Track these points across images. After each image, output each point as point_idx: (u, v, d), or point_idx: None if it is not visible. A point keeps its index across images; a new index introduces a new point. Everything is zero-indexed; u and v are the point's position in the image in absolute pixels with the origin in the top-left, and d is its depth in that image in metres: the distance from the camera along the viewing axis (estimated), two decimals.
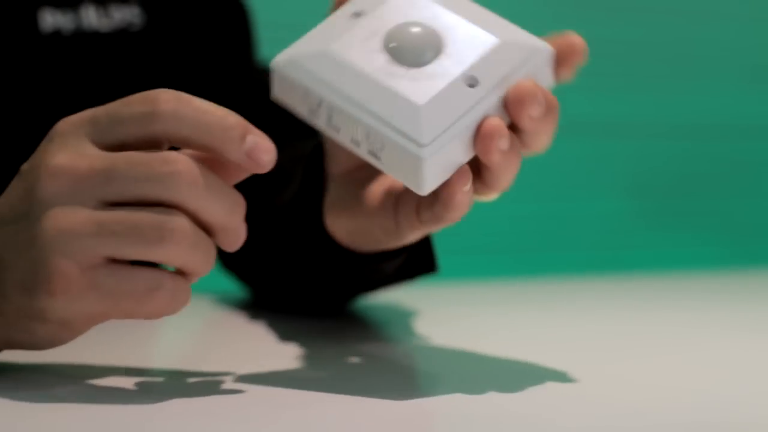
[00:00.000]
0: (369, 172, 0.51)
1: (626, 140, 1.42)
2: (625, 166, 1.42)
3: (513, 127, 0.44)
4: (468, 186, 0.43)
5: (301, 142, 0.73)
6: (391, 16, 0.45)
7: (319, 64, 0.44)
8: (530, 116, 0.42)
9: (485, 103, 0.42)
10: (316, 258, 0.59)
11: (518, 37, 0.44)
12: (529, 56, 0.43)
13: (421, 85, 0.42)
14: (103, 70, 0.68)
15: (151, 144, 0.40)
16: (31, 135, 0.65)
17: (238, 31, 0.79)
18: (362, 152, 0.43)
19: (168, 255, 0.38)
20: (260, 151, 0.40)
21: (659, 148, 1.44)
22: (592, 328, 0.66)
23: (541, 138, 0.44)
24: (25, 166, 0.41)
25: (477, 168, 0.44)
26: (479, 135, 0.41)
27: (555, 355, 0.55)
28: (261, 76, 0.77)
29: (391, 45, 0.43)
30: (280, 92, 0.46)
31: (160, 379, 0.45)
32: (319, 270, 0.61)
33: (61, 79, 0.66)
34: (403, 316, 0.68)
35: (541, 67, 0.44)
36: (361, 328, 0.64)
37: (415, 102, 0.41)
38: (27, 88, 0.66)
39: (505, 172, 0.43)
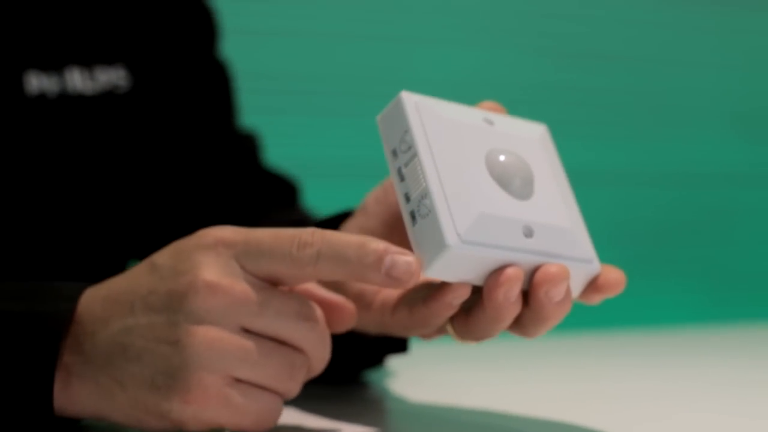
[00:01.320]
0: None
1: (609, 188, 1.43)
2: (608, 214, 1.43)
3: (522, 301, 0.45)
4: (452, 306, 0.44)
5: (287, 209, 0.74)
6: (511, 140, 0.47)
7: (434, 116, 0.45)
8: (546, 294, 0.43)
9: (524, 255, 0.43)
10: None
11: (582, 235, 0.47)
12: (581, 261, 0.46)
13: (493, 203, 0.43)
14: (89, 133, 0.68)
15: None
16: (15, 197, 0.65)
17: (222, 95, 0.79)
18: (404, 209, 0.44)
19: (288, 389, 0.43)
20: (398, 270, 0.41)
21: (642, 196, 1.44)
22: (575, 385, 0.66)
23: (538, 326, 0.44)
24: (161, 261, 0.43)
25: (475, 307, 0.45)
26: (495, 274, 0.42)
27: (538, 414, 0.54)
28: (244, 141, 0.78)
29: (501, 158, 0.45)
30: (386, 117, 0.46)
31: None
32: None
33: (46, 142, 0.67)
34: (383, 372, 0.68)
35: (581, 276, 0.46)
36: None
37: (477, 207, 0.43)
38: (12, 151, 0.66)
39: (496, 320, 0.43)
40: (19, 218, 0.65)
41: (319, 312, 0.43)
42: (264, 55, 1.21)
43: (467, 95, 1.36)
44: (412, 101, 0.45)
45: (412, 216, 0.43)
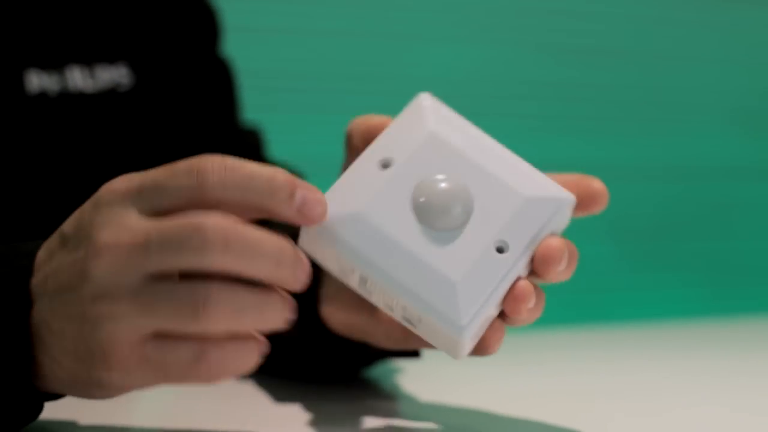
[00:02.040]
0: None
1: (609, 183, 1.42)
2: (609, 208, 1.42)
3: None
4: (502, 335, 0.44)
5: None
6: (420, 169, 0.43)
7: (351, 231, 0.42)
8: (557, 272, 0.43)
9: (516, 267, 0.42)
10: (309, 341, 0.59)
11: (543, 189, 0.44)
12: (555, 211, 0.44)
13: (454, 257, 0.41)
14: (90, 131, 0.68)
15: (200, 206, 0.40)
16: (16, 195, 0.65)
17: (224, 93, 0.79)
18: (397, 317, 0.43)
19: (207, 326, 0.38)
20: (311, 205, 0.40)
21: (643, 190, 1.44)
22: (576, 380, 0.66)
23: (561, 279, 0.45)
24: (68, 231, 0.41)
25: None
26: (510, 297, 0.42)
27: (542, 410, 0.54)
28: (247, 137, 0.78)
29: (421, 200, 0.42)
30: (307, 245, 0.44)
31: None
32: (313, 351, 0.61)
33: (47, 140, 0.67)
34: (390, 371, 0.68)
35: (563, 217, 0.45)
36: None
37: (450, 279, 0.41)
38: (13, 150, 0.66)
39: (528, 320, 0.44)
40: (19, 216, 0.65)
41: (210, 223, 0.38)
42: (264, 53, 1.21)
43: (470, 92, 1.36)
44: (328, 236, 0.42)
45: (408, 322, 0.42)
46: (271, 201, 0.39)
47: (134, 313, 0.38)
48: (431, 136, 0.44)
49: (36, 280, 0.41)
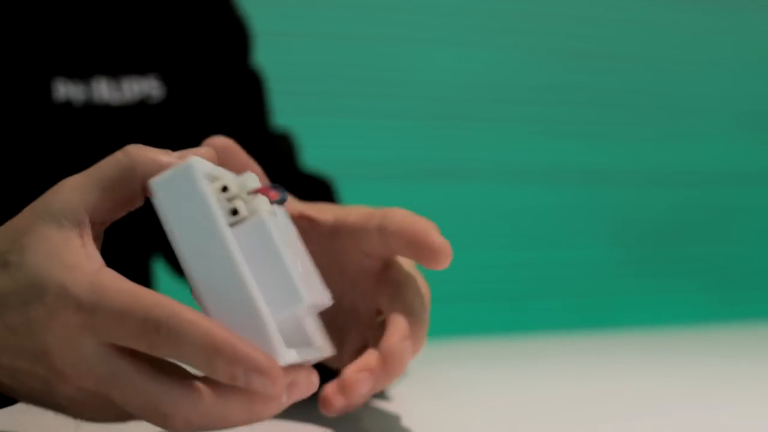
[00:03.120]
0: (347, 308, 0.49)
1: (614, 188, 1.43)
2: (613, 213, 1.43)
3: None
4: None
5: None
6: None
7: None
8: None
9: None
10: None
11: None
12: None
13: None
14: (113, 144, 0.69)
15: None
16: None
17: (256, 100, 0.79)
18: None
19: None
20: (254, 386, 0.36)
21: (647, 195, 1.44)
22: (582, 384, 0.66)
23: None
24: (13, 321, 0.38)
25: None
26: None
27: (545, 415, 0.54)
28: (280, 142, 0.78)
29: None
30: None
31: None
32: None
33: (69, 149, 0.67)
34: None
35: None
36: None
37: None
38: (37, 156, 0.66)
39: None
40: None
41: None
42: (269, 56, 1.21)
43: (478, 96, 1.37)
44: None
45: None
46: (212, 375, 0.36)
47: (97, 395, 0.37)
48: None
49: None
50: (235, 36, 0.79)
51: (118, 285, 0.36)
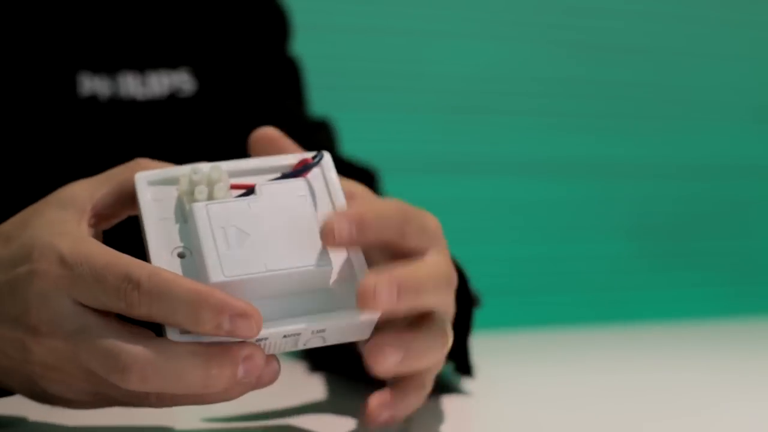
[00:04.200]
0: None
1: (629, 182, 1.42)
2: (627, 207, 1.42)
3: None
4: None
5: None
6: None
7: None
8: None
9: None
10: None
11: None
12: None
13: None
14: (138, 138, 0.69)
15: None
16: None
17: (293, 90, 0.79)
18: (301, 346, 0.41)
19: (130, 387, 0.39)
20: (240, 331, 0.38)
21: (661, 189, 1.44)
22: (596, 378, 0.65)
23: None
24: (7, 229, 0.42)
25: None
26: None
27: (560, 409, 0.54)
28: (318, 130, 0.77)
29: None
30: None
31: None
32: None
33: (94, 143, 0.67)
34: None
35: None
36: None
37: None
38: (62, 149, 0.66)
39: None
40: None
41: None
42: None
43: (486, 89, 1.36)
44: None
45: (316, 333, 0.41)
46: (196, 326, 0.37)
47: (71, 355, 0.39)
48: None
49: None
50: (272, 23, 0.78)
51: (102, 248, 0.39)
